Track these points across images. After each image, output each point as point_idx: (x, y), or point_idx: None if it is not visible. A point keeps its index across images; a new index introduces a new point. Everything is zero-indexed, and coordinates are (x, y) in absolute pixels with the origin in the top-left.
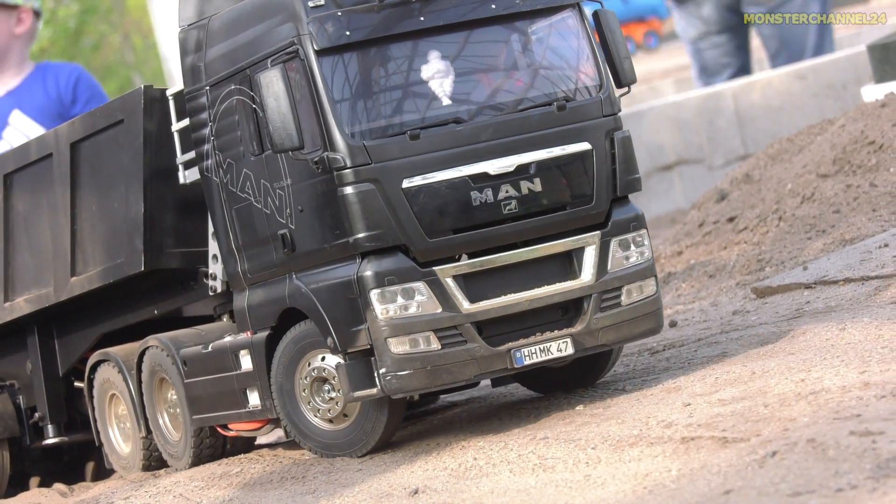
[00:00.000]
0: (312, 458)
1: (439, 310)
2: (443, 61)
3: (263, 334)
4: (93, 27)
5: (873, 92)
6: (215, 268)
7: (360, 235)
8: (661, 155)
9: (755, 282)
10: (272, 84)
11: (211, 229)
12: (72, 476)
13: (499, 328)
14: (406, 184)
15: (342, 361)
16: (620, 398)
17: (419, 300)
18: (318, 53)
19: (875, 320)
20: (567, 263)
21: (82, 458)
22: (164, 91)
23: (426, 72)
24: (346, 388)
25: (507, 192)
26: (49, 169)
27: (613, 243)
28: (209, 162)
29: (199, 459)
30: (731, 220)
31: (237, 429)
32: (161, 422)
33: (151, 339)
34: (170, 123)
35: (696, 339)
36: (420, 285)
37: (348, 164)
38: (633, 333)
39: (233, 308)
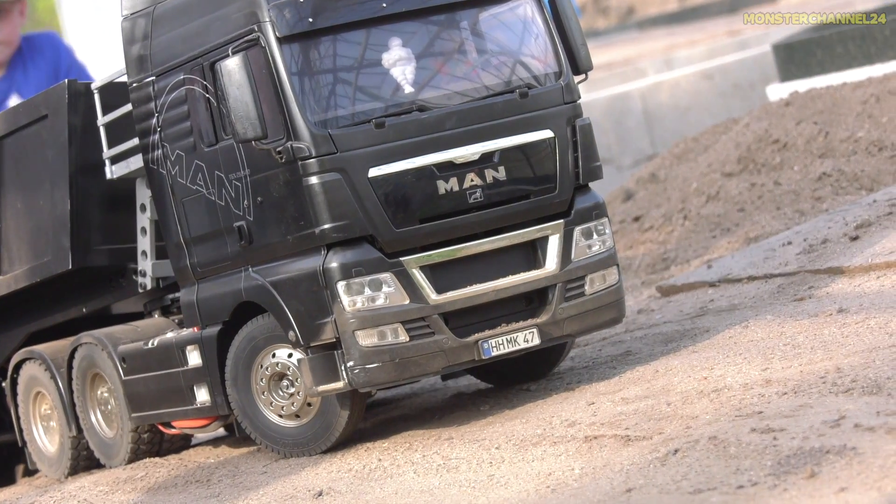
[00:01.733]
0: (217, 461)
1: (407, 301)
2: (405, 49)
3: (215, 329)
4: None
5: (778, 91)
6: (144, 264)
7: (326, 226)
8: None
9: (660, 280)
10: (233, 73)
11: (139, 224)
12: (1, 478)
13: (465, 319)
14: (372, 173)
15: (304, 356)
16: (525, 397)
17: (386, 291)
18: (280, 41)
19: (778, 318)
20: (531, 253)
21: (11, 460)
22: (88, 85)
23: (389, 59)
24: (309, 382)
25: (471, 180)
26: None
27: (577, 232)
28: (155, 154)
29: (136, 456)
30: (636, 219)
31: (182, 426)
32: (94, 420)
33: (84, 336)
34: (95, 118)
35: (600, 338)
36: (387, 276)
37: (313, 153)
38: (596, 323)
39: (180, 302)
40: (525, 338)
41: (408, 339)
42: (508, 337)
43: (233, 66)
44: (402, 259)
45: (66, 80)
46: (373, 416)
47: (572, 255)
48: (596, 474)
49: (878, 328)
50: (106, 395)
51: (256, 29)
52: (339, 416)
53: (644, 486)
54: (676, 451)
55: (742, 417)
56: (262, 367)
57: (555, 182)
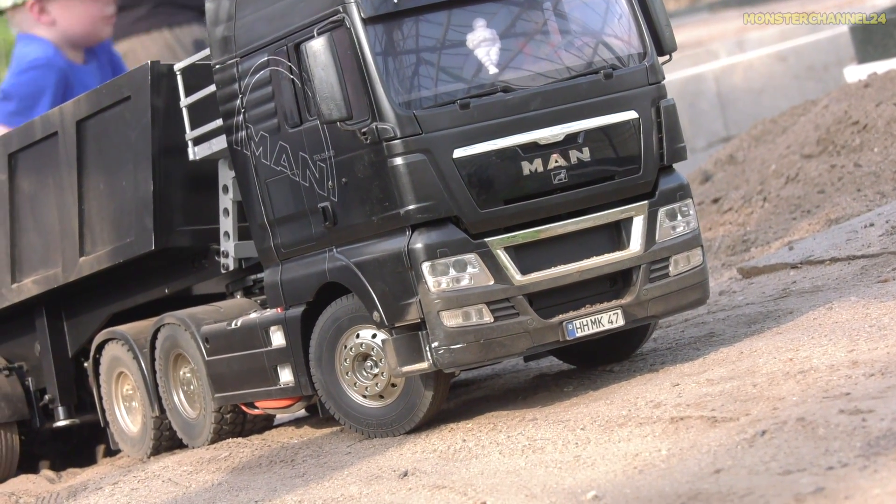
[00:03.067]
0: (301, 441)
1: (491, 282)
2: (489, 29)
3: (299, 310)
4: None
5: (856, 72)
6: (227, 245)
7: (411, 207)
8: None
9: (740, 262)
10: (319, 54)
11: (222, 206)
12: (82, 458)
13: (548, 300)
14: (457, 154)
15: (388, 336)
16: (608, 378)
17: (471, 272)
18: (365, 22)
19: (862, 299)
20: (615, 234)
21: (92, 440)
22: (171, 66)
23: (473, 40)
24: (393, 363)
25: (556, 161)
26: (54, 148)
27: (661, 213)
28: (239, 135)
29: (218, 437)
30: (715, 201)
31: (265, 406)
32: (176, 400)
33: (167, 317)
34: (178, 99)
35: (683, 320)
36: (472, 257)
37: (398, 134)
38: (680, 304)
39: (263, 283)
40: (609, 319)
41: (492, 319)
42: (593, 318)
43: (318, 47)
44: (486, 240)
45: (149, 62)
46: (456, 397)
47: (657, 237)
48: (683, 455)
49: None
50: (188, 375)
51: (341, 10)
52: (424, 396)
53: (732, 467)
54: (764, 432)
55: (829, 399)
56: (345, 347)
57: (639, 163)
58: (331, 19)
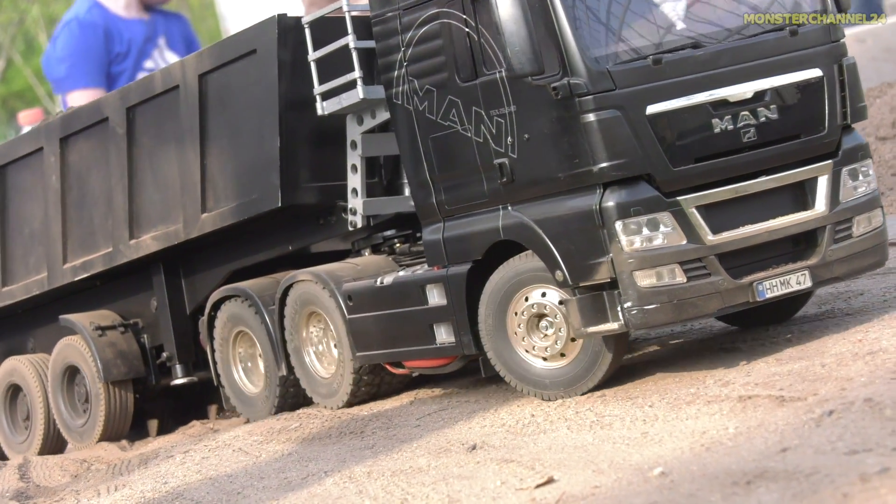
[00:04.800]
0: (371, 413)
1: (684, 241)
2: None
3: (464, 268)
4: None
5: None
6: (355, 202)
7: (605, 164)
8: None
9: None
10: (509, 6)
11: (350, 162)
12: (192, 416)
13: (735, 261)
14: (650, 110)
15: (571, 297)
16: (677, 355)
17: (664, 231)
18: None
19: None
20: (800, 194)
21: (204, 398)
22: (299, 19)
23: None
24: (577, 323)
25: (745, 119)
26: (175, 102)
27: (844, 173)
28: (400, 88)
29: (355, 398)
30: None
31: (415, 365)
32: (307, 360)
33: (301, 274)
34: (305, 53)
35: None
36: (665, 216)
37: (591, 90)
38: (862, 266)
39: (422, 241)
40: (798, 280)
41: (685, 280)
42: (782, 279)
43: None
44: (679, 199)
45: (276, 14)
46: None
47: (840, 197)
48: (750, 434)
49: None
50: (320, 334)
51: None
52: (604, 356)
53: (799, 447)
54: (831, 412)
55: None
56: (519, 307)
57: (823, 122)
58: None
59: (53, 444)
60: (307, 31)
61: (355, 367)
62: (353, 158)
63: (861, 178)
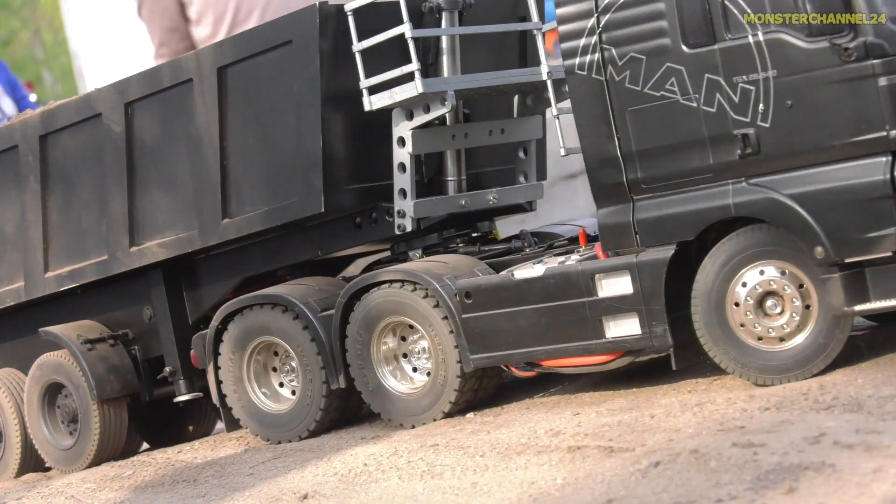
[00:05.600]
0: (205, 461)
1: None
2: None
3: (666, 251)
4: (3, 22)
5: None
6: (404, 204)
7: None
8: (567, 163)
9: None
10: None
11: (397, 160)
12: (169, 437)
13: None
14: None
15: (830, 274)
16: (511, 406)
17: None
18: None
19: None
20: None
21: (183, 419)
22: (341, 7)
23: None
24: (839, 301)
25: None
26: (188, 96)
27: None
28: (590, 58)
29: (455, 408)
30: None
31: (567, 364)
32: (381, 372)
33: (385, 274)
34: (348, 43)
35: None
36: None
37: (891, 51)
38: None
39: (599, 225)
40: None
41: None
42: None
43: None
44: None
45: (318, 2)
46: (361, 421)
47: None
48: (578, 484)
49: None
50: (394, 345)
51: None
52: (836, 336)
53: (625, 498)
54: (658, 463)
55: (724, 431)
56: (744, 289)
57: None
58: None
59: (29, 470)
60: (351, 20)
61: (464, 374)
62: (402, 157)
63: None
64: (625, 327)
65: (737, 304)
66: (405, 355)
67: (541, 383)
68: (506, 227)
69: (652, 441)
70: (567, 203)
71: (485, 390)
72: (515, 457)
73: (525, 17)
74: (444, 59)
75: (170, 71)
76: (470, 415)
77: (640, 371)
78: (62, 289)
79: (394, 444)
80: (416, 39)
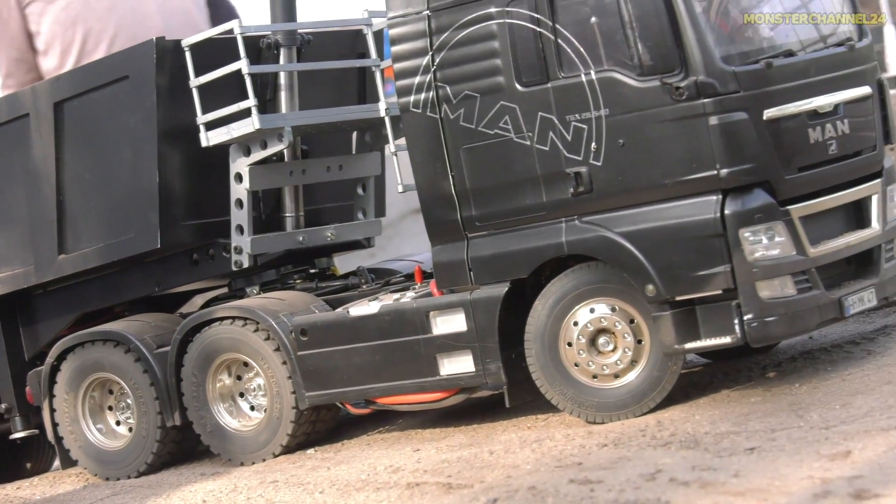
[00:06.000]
0: (43, 497)
1: (794, 252)
2: None
3: (499, 289)
4: None
5: None
6: (241, 240)
7: (734, 169)
8: (415, 197)
9: None
10: (644, 0)
11: (234, 196)
12: (7, 474)
13: (822, 274)
14: (767, 115)
15: (661, 312)
16: (352, 442)
17: (779, 241)
18: None
19: None
20: (859, 211)
21: (16, 456)
22: (178, 42)
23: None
24: (669, 340)
25: (829, 131)
26: (24, 131)
27: (889, 192)
28: (424, 96)
29: (290, 446)
30: None
31: (403, 401)
32: (216, 409)
33: (221, 310)
34: (185, 79)
35: None
36: (779, 225)
37: (721, 91)
38: None
39: (434, 262)
40: (868, 297)
41: (795, 292)
42: (859, 296)
43: None
44: (789, 208)
45: (154, 38)
46: (201, 456)
47: (887, 215)
48: None
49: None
50: (230, 383)
51: None
52: (669, 370)
53: None
54: (496, 500)
55: (562, 468)
56: (572, 328)
57: (875, 140)
58: None
59: None
60: (188, 55)
61: (299, 411)
62: (239, 193)
63: None
64: (459, 365)
65: (570, 344)
66: (241, 394)
67: (382, 419)
68: (356, 261)
69: (490, 477)
70: (416, 237)
71: (322, 424)
72: (355, 493)
73: (364, 54)
74: (282, 96)
75: (6, 105)
76: (310, 451)
77: (480, 406)
78: None
79: (233, 481)
80: (253, 75)
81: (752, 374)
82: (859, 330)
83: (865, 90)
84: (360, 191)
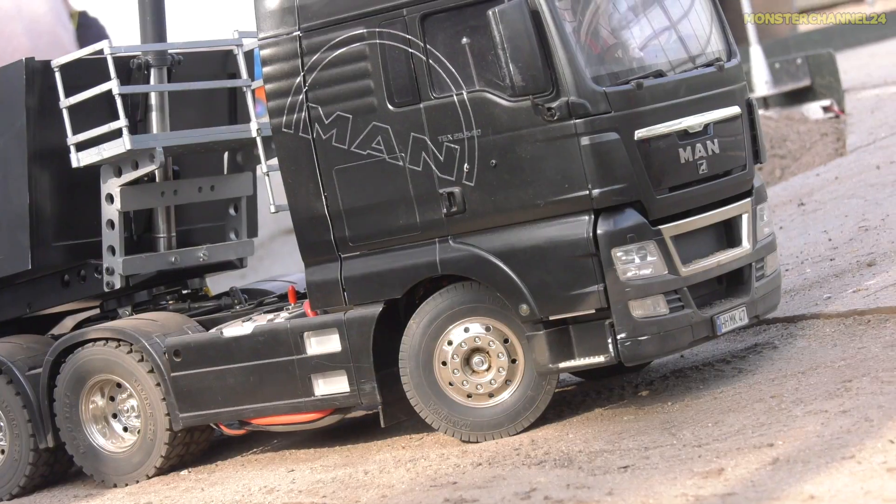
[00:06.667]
0: None
1: (665, 272)
2: (666, 7)
3: (373, 309)
4: None
5: None
6: (112, 261)
7: (605, 189)
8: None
9: None
10: (516, 20)
11: (106, 217)
12: None
13: (693, 293)
14: (638, 135)
15: (535, 331)
16: (226, 463)
17: (651, 261)
18: None
19: None
20: (730, 230)
21: None
22: (48, 63)
23: (643, 18)
24: (543, 359)
25: (700, 151)
26: None
27: (758, 211)
28: (296, 116)
29: (164, 467)
30: None
31: (278, 421)
32: (89, 431)
33: (94, 331)
34: (55, 100)
35: None
36: (651, 244)
37: (591, 111)
38: (770, 306)
39: (307, 282)
40: (739, 315)
41: (667, 311)
42: (730, 314)
43: (515, 14)
44: (660, 227)
45: (24, 59)
46: (72, 475)
47: (757, 235)
48: None
49: None
50: (103, 404)
51: None
52: (544, 390)
53: None
54: None
55: (437, 487)
56: (450, 346)
57: (745, 159)
58: None
59: None
60: (58, 76)
61: (173, 432)
62: (111, 213)
63: (766, 218)
64: (333, 385)
65: (444, 363)
66: (115, 415)
67: (256, 439)
68: (227, 282)
69: (366, 497)
70: (286, 257)
71: (196, 445)
72: None
73: (235, 75)
74: (153, 116)
75: None
76: (184, 472)
77: (355, 426)
78: None
79: (106, 503)
80: (124, 96)
81: (624, 392)
82: (730, 348)
83: (735, 110)
84: (232, 211)
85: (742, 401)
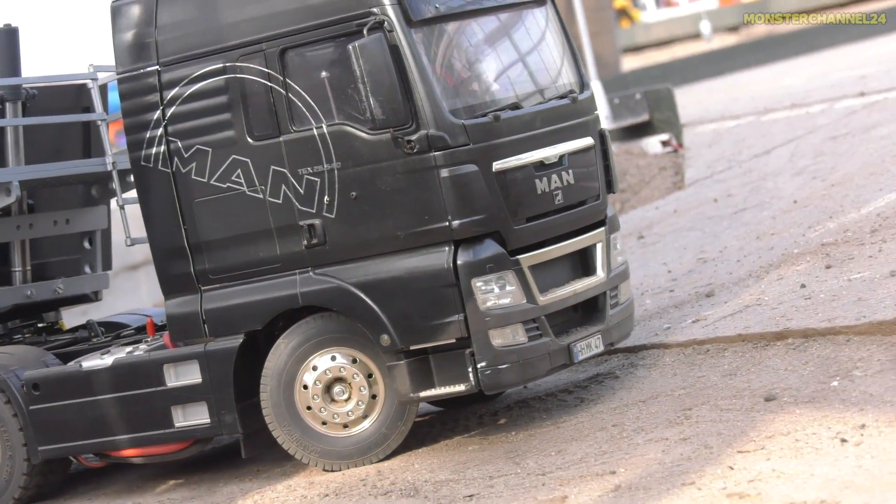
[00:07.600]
0: None
1: (524, 301)
2: (521, 41)
3: (233, 341)
4: None
5: None
6: None
7: (465, 220)
8: (128, 254)
9: None
10: (375, 55)
11: None
12: None
13: (550, 322)
14: (496, 167)
15: (396, 361)
16: (74, 500)
17: (510, 290)
18: (411, 25)
19: None
20: (584, 259)
21: None
22: None
23: (499, 53)
24: (404, 389)
25: (555, 182)
26: None
27: (612, 241)
28: (155, 150)
29: (25, 495)
30: None
31: (139, 453)
32: None
33: None
34: None
35: None
36: (510, 274)
37: (450, 144)
38: (624, 333)
39: (167, 315)
40: (595, 343)
41: (526, 339)
42: (586, 342)
43: (375, 48)
44: (518, 257)
45: None
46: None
47: (611, 264)
48: None
49: None
50: None
51: (378, 12)
52: (399, 430)
53: None
54: None
55: None
56: (314, 375)
57: (598, 189)
58: (358, 22)
59: None
60: None
61: (31, 464)
62: None
63: (619, 247)
64: (194, 416)
65: (305, 387)
66: None
67: (109, 472)
68: (68, 316)
69: None
70: (129, 294)
71: (55, 476)
72: None
73: (88, 108)
74: (9, 150)
75: None
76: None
77: (206, 457)
78: None
79: None
80: None
81: (469, 423)
82: (572, 378)
83: (588, 141)
84: (86, 244)
85: (584, 429)
